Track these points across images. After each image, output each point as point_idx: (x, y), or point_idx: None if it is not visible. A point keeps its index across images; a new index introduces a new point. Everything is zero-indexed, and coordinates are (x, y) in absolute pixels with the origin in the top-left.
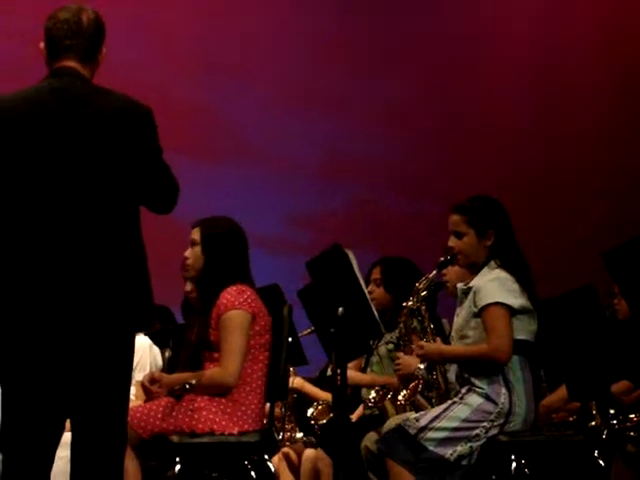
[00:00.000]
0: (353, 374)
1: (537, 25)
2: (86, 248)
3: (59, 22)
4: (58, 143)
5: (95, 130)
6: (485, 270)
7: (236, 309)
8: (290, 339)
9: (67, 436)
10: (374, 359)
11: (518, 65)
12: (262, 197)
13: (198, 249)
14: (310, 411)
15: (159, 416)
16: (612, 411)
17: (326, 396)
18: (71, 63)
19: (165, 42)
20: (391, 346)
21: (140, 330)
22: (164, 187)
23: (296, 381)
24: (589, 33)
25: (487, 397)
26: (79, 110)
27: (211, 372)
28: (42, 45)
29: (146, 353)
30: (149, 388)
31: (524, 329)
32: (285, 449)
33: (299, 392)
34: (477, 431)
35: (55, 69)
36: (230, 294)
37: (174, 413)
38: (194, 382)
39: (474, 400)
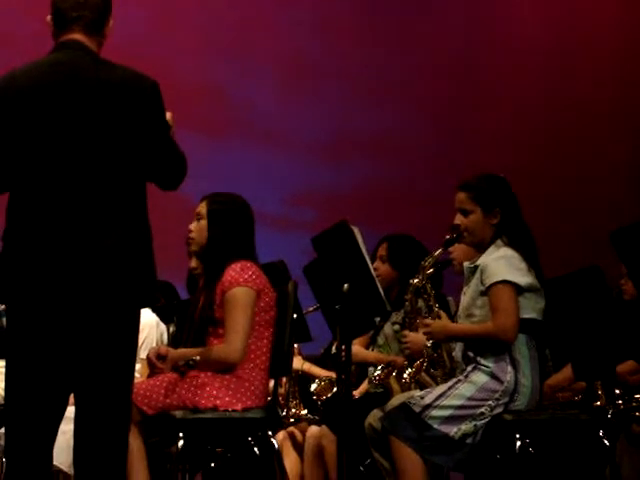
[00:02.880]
0: (358, 350)
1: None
2: (90, 223)
3: None
4: (63, 116)
5: (100, 103)
6: (492, 248)
7: (240, 286)
8: (295, 315)
9: (71, 410)
10: (380, 340)
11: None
12: (267, 174)
13: (204, 223)
14: (313, 387)
15: (162, 392)
16: (617, 391)
17: (330, 375)
18: (77, 36)
19: (170, 19)
20: (397, 327)
21: (144, 305)
22: (170, 162)
23: (304, 366)
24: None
25: (492, 375)
26: (84, 83)
27: (216, 348)
28: (49, 18)
29: (153, 330)
30: (155, 362)
31: (531, 307)
32: (290, 428)
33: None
34: (482, 409)
35: (61, 42)
36: (234, 271)
37: (177, 389)
38: (198, 358)
39: (479, 378)
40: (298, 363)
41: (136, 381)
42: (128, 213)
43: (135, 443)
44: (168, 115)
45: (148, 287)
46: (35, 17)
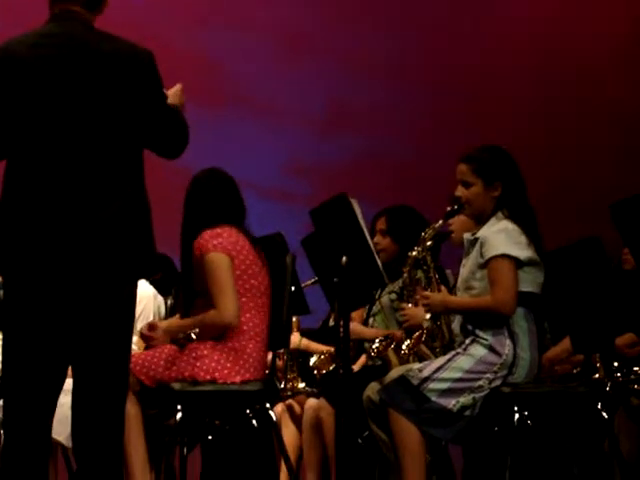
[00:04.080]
0: (356, 327)
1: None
2: (87, 193)
3: None
4: (59, 86)
5: (96, 73)
6: (492, 221)
7: (211, 252)
8: (293, 288)
9: (69, 382)
10: (376, 309)
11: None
12: (265, 147)
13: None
14: (312, 360)
15: (162, 363)
16: (616, 364)
17: (330, 349)
18: (75, 7)
19: None
20: (394, 296)
21: (142, 277)
22: (169, 131)
23: (302, 342)
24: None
25: (491, 348)
26: (80, 53)
27: (209, 315)
28: None
29: (150, 302)
30: (148, 334)
31: (530, 281)
32: (289, 401)
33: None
34: (480, 382)
35: (57, 13)
36: (203, 238)
37: (177, 361)
38: (197, 331)
39: (478, 351)
40: (296, 340)
41: (133, 353)
42: (126, 184)
43: (133, 409)
44: (177, 87)
45: (146, 258)
46: None
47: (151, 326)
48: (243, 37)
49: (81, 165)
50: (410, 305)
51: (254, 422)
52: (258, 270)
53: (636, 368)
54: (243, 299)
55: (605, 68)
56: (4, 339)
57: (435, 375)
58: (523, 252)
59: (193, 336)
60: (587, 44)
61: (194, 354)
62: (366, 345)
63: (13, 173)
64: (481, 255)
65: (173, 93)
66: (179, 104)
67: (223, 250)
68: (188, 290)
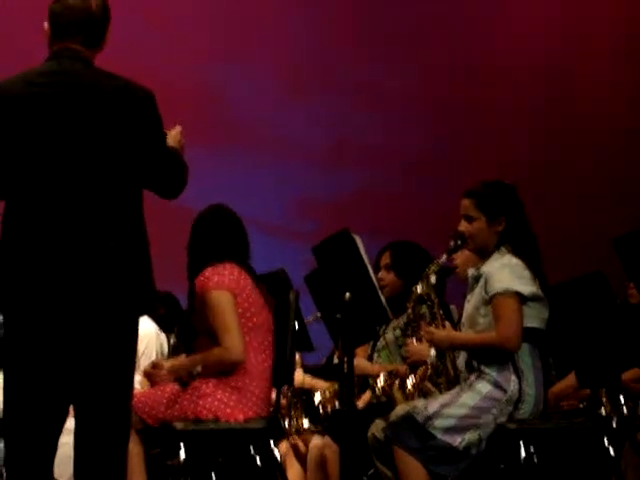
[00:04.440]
0: (360, 363)
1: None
2: (86, 231)
3: (67, 7)
4: (59, 124)
5: (96, 111)
6: (496, 256)
7: (212, 289)
8: (296, 325)
9: (71, 422)
10: (380, 345)
11: (528, 49)
12: (267, 183)
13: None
14: (318, 398)
15: (164, 402)
16: (622, 399)
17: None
18: (74, 46)
19: (167, 24)
20: (398, 332)
21: (142, 313)
22: (168, 171)
23: (306, 380)
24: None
25: (496, 384)
26: (81, 92)
27: (213, 352)
28: (46, 26)
29: (152, 340)
30: (152, 373)
31: (535, 316)
32: (293, 439)
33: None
34: (486, 419)
35: (57, 50)
36: (204, 275)
37: (179, 400)
38: (199, 369)
39: (483, 387)
40: (299, 377)
41: (136, 392)
42: (124, 221)
43: (135, 449)
44: (177, 130)
45: (146, 295)
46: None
47: (155, 365)
48: (246, 71)
49: (79, 203)
50: (414, 341)
51: (258, 460)
52: (260, 308)
53: None
54: (246, 337)
55: (619, 116)
56: (5, 378)
57: (440, 412)
58: (527, 287)
59: (195, 374)
60: (589, 77)
61: (197, 393)
62: (371, 382)
63: (12, 212)
64: (485, 291)
65: (173, 136)
66: (178, 147)
67: (225, 287)
68: (191, 327)
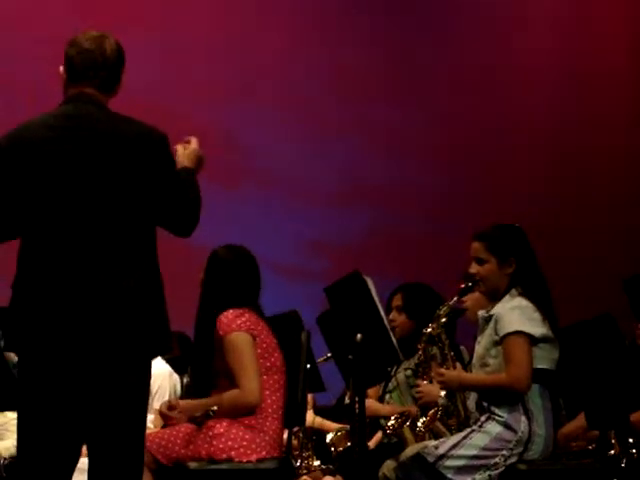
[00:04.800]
0: (371, 404)
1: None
2: (101, 273)
3: (82, 51)
4: (70, 168)
5: (110, 154)
6: (506, 298)
7: (235, 331)
8: (308, 365)
9: (83, 462)
10: (392, 386)
11: (541, 81)
12: (280, 223)
13: (201, 276)
14: (329, 437)
15: (179, 442)
16: (631, 440)
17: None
18: (89, 90)
19: (181, 65)
20: (409, 372)
21: (156, 355)
22: (181, 210)
23: (316, 421)
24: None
25: (506, 425)
26: (95, 135)
27: (230, 395)
28: (61, 69)
29: (165, 380)
30: (167, 414)
31: (545, 358)
32: (304, 478)
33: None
34: (496, 459)
35: (72, 95)
36: (226, 317)
37: (194, 439)
38: (215, 408)
39: (493, 428)
40: (310, 418)
41: (149, 431)
42: (138, 262)
43: None
44: (193, 146)
45: (160, 336)
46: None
47: (171, 407)
48: (257, 111)
49: (94, 244)
50: (425, 382)
51: None
52: (274, 349)
53: None
54: (264, 377)
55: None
56: (18, 418)
57: (451, 452)
58: (537, 329)
59: (211, 414)
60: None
61: (211, 432)
62: (382, 422)
63: (27, 252)
64: (496, 332)
65: (187, 155)
66: (195, 163)
67: (247, 330)
68: (207, 369)
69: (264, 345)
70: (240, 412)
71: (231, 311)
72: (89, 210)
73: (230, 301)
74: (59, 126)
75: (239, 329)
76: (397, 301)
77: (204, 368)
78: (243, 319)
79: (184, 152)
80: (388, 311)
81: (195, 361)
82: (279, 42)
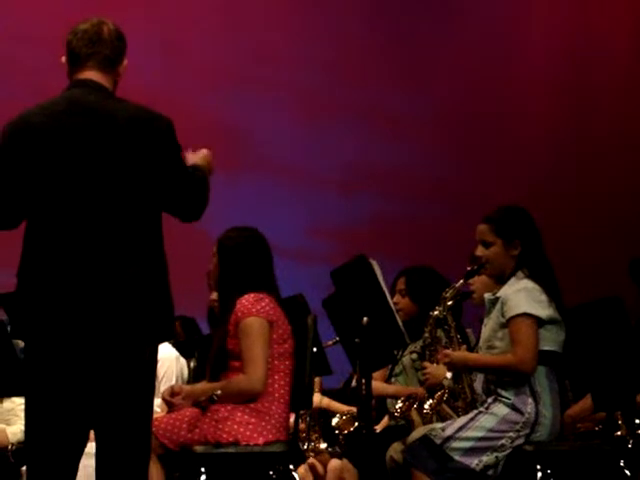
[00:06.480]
0: (377, 385)
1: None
2: (106, 258)
3: (79, 33)
4: (75, 153)
5: (113, 140)
6: (513, 280)
7: (253, 316)
8: (315, 349)
9: (91, 446)
10: (398, 369)
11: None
12: (286, 208)
13: (215, 260)
14: (335, 421)
15: (184, 426)
16: (638, 421)
17: (352, 410)
18: (91, 74)
19: (186, 59)
20: (415, 356)
21: (161, 340)
22: (187, 195)
23: (324, 401)
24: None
25: (513, 407)
26: (96, 120)
27: (236, 380)
28: (64, 59)
29: (172, 365)
30: (170, 401)
31: (552, 340)
32: (311, 460)
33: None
34: (503, 441)
35: (75, 81)
36: (247, 301)
37: (199, 424)
38: (219, 392)
39: (500, 410)
40: (317, 399)
41: (156, 416)
42: (144, 247)
43: (156, 473)
44: (204, 151)
45: (165, 322)
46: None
47: (174, 392)
48: (261, 98)
49: (99, 230)
50: (432, 364)
51: None
52: (289, 335)
53: None
54: (275, 362)
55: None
56: (26, 403)
57: (458, 434)
58: (544, 311)
59: (215, 398)
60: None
61: (216, 416)
62: (389, 405)
63: (32, 239)
64: (502, 315)
65: (201, 157)
66: (206, 166)
67: (266, 316)
68: (221, 352)
69: (280, 331)
70: (243, 399)
71: (252, 295)
72: (94, 197)
73: (249, 284)
74: (61, 111)
75: (258, 314)
76: (400, 285)
77: (222, 350)
78: (263, 304)
79: (193, 153)
80: (392, 295)
81: (215, 344)
82: (281, 28)
